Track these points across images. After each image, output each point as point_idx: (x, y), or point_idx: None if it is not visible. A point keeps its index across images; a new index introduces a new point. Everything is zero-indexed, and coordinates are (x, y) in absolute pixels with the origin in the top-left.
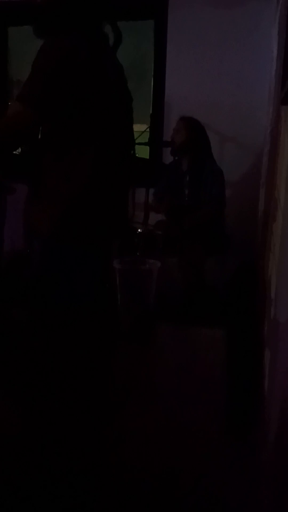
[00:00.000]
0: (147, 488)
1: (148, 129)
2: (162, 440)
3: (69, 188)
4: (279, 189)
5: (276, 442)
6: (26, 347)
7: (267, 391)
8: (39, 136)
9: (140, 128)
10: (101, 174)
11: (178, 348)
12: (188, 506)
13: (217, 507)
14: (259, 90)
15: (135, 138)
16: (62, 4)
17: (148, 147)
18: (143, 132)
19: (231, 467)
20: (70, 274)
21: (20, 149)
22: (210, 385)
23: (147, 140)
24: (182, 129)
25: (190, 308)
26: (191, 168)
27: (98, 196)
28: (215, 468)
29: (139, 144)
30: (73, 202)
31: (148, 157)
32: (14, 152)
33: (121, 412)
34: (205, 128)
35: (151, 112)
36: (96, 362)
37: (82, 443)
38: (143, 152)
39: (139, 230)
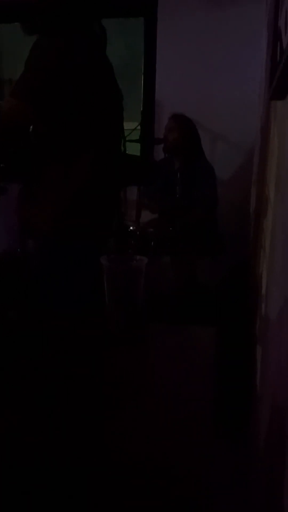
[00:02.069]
0: (140, 486)
1: (139, 127)
2: (155, 439)
3: (66, 187)
4: (269, 186)
5: (267, 439)
6: (23, 348)
7: (259, 387)
8: (35, 135)
9: (131, 125)
10: (97, 172)
11: (171, 348)
12: (181, 503)
13: (208, 504)
14: (251, 88)
15: (126, 135)
16: (55, 2)
17: (139, 145)
18: (133, 129)
19: (221, 465)
20: (68, 272)
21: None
22: (203, 384)
23: (138, 138)
24: (173, 128)
25: (183, 308)
26: (183, 166)
27: (95, 193)
28: (206, 466)
29: (130, 141)
30: (71, 200)
31: (139, 154)
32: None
33: (114, 413)
34: (196, 126)
35: (141, 109)
36: (90, 363)
37: (77, 444)
38: (134, 149)
39: (131, 228)
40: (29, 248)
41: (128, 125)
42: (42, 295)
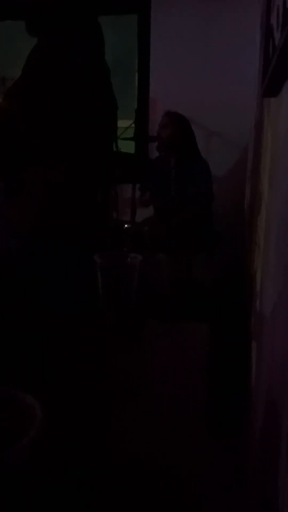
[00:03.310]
0: (137, 485)
1: (133, 125)
2: (152, 438)
3: (53, 185)
4: (263, 182)
5: (262, 437)
6: (14, 347)
7: (254, 384)
8: (24, 134)
9: (125, 123)
10: (84, 171)
11: (167, 345)
12: (177, 502)
13: (206, 503)
14: (245, 85)
15: (120, 133)
16: (56, 2)
17: (133, 143)
18: (127, 127)
19: (218, 463)
20: (54, 271)
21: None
22: (200, 382)
23: (132, 135)
24: (167, 124)
25: (178, 305)
26: (178, 164)
27: (82, 193)
28: (202, 465)
29: (125, 139)
30: (55, 199)
31: (133, 152)
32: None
33: (112, 412)
34: (190, 123)
35: (136, 107)
36: (88, 362)
37: (76, 443)
38: (129, 147)
39: (125, 226)
40: (16, 247)
41: (122, 123)
42: (29, 294)
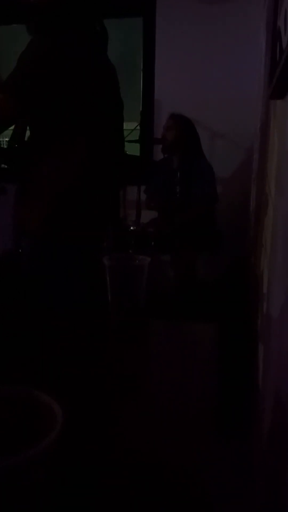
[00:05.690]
0: (140, 484)
1: (138, 127)
2: (157, 437)
3: (58, 187)
4: (269, 184)
5: (270, 436)
6: (19, 346)
7: (261, 385)
8: (28, 134)
9: (130, 126)
10: (90, 173)
11: (172, 344)
12: (182, 501)
13: (210, 502)
14: (249, 86)
15: (126, 136)
16: (56, 3)
17: (138, 145)
18: (132, 130)
19: (224, 462)
20: (60, 272)
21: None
22: (205, 380)
23: (137, 138)
24: (172, 127)
25: (182, 305)
26: (182, 166)
27: (87, 194)
28: (208, 464)
29: (130, 141)
30: (62, 201)
31: (138, 155)
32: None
33: (116, 411)
34: (195, 125)
35: (141, 109)
36: (91, 361)
37: (77, 443)
38: (134, 149)
39: (131, 228)
40: (23, 247)
41: (127, 126)
42: (36, 295)
